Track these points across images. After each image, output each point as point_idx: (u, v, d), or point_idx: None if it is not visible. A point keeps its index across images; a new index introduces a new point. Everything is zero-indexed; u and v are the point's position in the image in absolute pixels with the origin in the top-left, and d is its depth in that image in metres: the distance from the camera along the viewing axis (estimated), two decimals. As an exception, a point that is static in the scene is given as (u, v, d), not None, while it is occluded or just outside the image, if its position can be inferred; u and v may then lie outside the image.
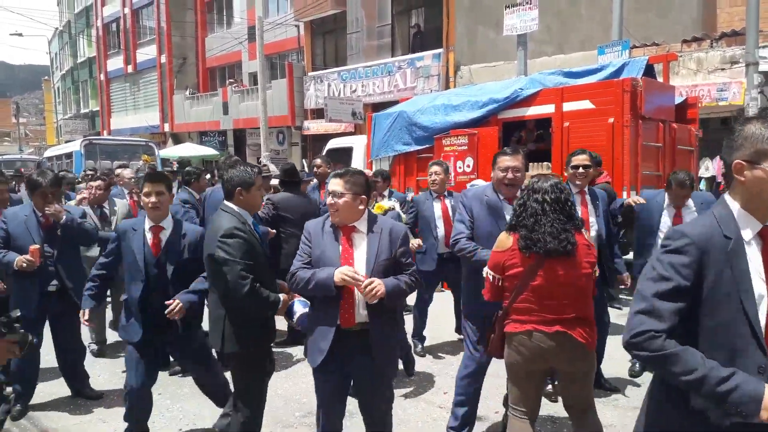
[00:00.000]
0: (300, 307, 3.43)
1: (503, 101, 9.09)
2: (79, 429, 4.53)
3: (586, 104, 8.13)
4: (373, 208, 5.29)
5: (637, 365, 5.42)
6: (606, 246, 4.69)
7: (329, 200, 3.12)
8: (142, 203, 4.03)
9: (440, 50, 17.98)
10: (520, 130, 9.85)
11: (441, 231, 5.86)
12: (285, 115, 23.16)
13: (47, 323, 4.84)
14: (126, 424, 3.97)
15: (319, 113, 21.39)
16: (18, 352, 2.19)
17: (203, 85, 30.50)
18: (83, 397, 5.02)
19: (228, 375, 4.61)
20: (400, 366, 4.98)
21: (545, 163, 8.31)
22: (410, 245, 5.56)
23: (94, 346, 6.08)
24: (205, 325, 6.52)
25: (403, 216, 6.24)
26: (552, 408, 4.54)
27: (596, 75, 8.87)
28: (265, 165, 10.74)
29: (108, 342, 6.23)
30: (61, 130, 43.17)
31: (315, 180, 7.64)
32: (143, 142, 21.47)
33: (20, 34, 39.44)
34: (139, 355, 3.88)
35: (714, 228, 1.87)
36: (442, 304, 6.68)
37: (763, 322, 1.80)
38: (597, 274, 3.40)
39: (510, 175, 3.81)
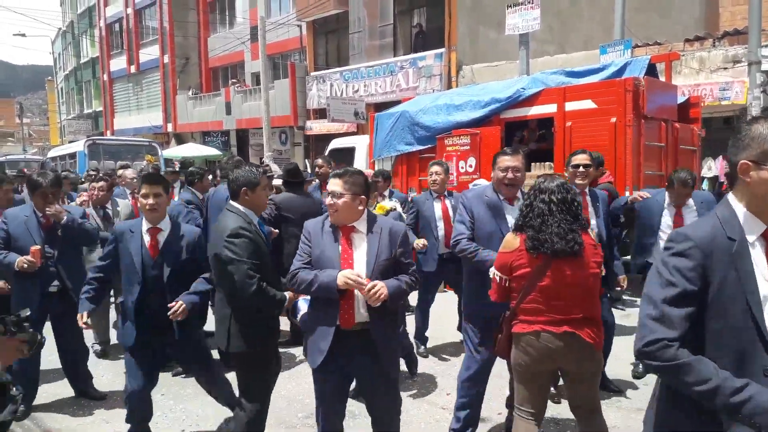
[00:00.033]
0: (304, 305, 3.44)
1: (505, 101, 9.09)
2: (82, 430, 4.54)
3: (588, 104, 8.12)
4: (374, 208, 5.28)
5: (640, 366, 5.41)
6: (606, 247, 4.68)
7: (328, 200, 3.12)
8: (139, 205, 4.01)
9: (442, 50, 17.96)
10: (523, 129, 9.85)
11: (441, 231, 5.84)
12: (287, 115, 23.18)
13: (49, 324, 4.85)
14: (129, 426, 3.97)
15: (321, 113, 21.40)
16: (27, 351, 2.20)
17: (206, 85, 30.53)
18: (87, 397, 5.03)
19: (231, 376, 4.62)
20: (403, 366, 4.98)
21: (547, 163, 8.31)
22: (415, 244, 5.57)
23: (98, 347, 6.09)
24: (209, 326, 6.52)
25: (404, 216, 6.23)
26: (555, 409, 4.53)
27: (598, 74, 8.87)
28: (267, 165, 10.75)
29: (111, 342, 6.23)
30: (64, 131, 43.26)
31: (316, 180, 7.64)
32: (146, 143, 21.52)
33: (23, 35, 39.56)
34: (136, 359, 3.89)
35: (717, 229, 1.85)
36: (445, 304, 6.67)
37: None
38: (604, 274, 3.41)
39: (510, 174, 3.80)
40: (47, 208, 4.68)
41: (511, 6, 12.16)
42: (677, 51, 11.41)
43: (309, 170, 10.49)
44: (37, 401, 4.84)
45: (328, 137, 17.97)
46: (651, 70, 8.70)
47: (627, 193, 7.19)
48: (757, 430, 1.69)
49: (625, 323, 6.39)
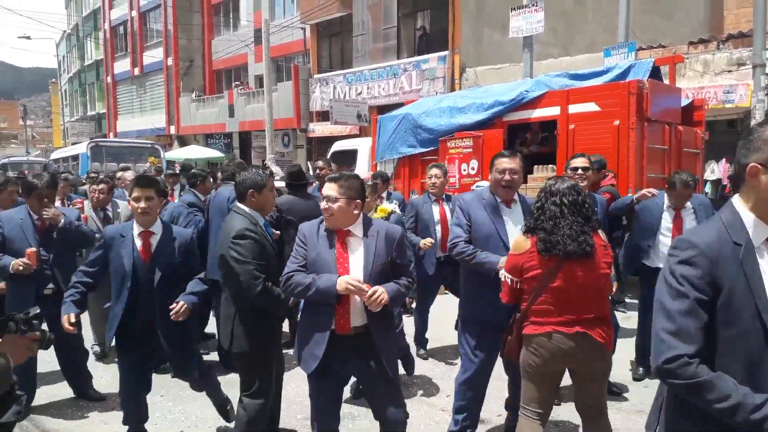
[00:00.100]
0: None
1: (509, 103, 9.07)
2: (81, 430, 4.53)
3: (591, 106, 8.10)
4: (376, 210, 5.25)
5: (640, 369, 5.38)
6: None
7: (323, 205, 3.11)
8: (131, 208, 3.94)
9: (446, 52, 17.97)
10: (525, 132, 9.83)
11: (439, 235, 5.80)
12: (290, 117, 23.20)
13: (45, 326, 4.83)
14: (126, 427, 3.98)
15: (324, 116, 21.40)
16: (36, 349, 2.19)
17: (209, 87, 30.59)
18: (86, 398, 5.02)
19: (227, 379, 4.60)
20: (400, 367, 4.96)
21: (550, 165, 8.28)
22: (422, 243, 5.53)
23: (97, 348, 6.08)
24: (209, 327, 6.50)
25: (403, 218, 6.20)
26: (555, 411, 4.49)
27: (602, 77, 8.85)
28: (268, 167, 10.74)
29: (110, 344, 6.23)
30: (67, 133, 43.36)
31: (317, 182, 7.62)
32: (149, 145, 21.56)
33: (28, 37, 39.57)
34: (128, 363, 3.88)
35: (722, 234, 1.80)
36: (445, 307, 6.64)
37: None
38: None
39: (507, 176, 3.77)
40: (44, 212, 4.64)
41: (514, 9, 12.15)
42: (681, 54, 11.39)
43: (311, 172, 10.49)
44: (35, 402, 4.83)
45: (331, 139, 17.96)
46: (655, 73, 8.68)
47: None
48: None
49: (625, 325, 6.35)
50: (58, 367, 5.11)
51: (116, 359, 4.07)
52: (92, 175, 10.66)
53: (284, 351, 5.98)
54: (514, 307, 3.41)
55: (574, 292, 3.11)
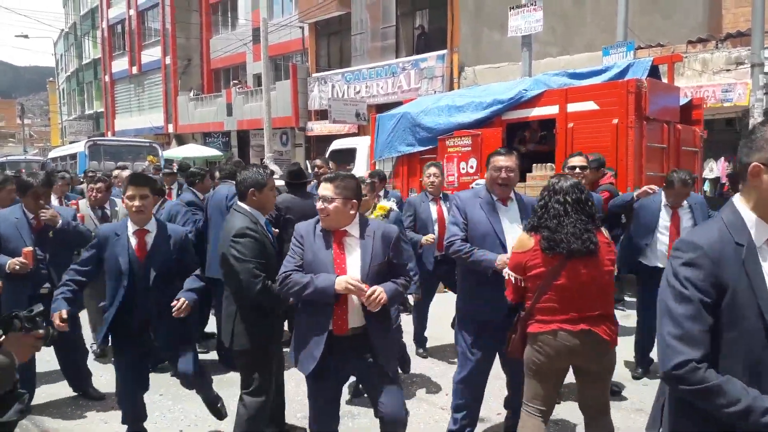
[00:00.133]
0: None
1: (507, 102, 9.08)
2: (79, 430, 4.53)
3: (590, 105, 8.11)
4: (375, 208, 5.24)
5: (639, 368, 5.38)
6: None
7: (319, 205, 3.10)
8: (125, 206, 3.91)
9: (444, 51, 17.97)
10: (524, 130, 9.83)
11: (436, 233, 5.77)
12: (289, 116, 23.18)
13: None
14: (126, 426, 3.99)
15: (323, 114, 21.40)
16: (40, 347, 2.19)
17: (207, 86, 30.54)
18: (86, 397, 5.02)
19: (226, 377, 4.59)
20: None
21: (549, 164, 8.29)
22: (424, 240, 5.52)
23: (96, 347, 6.06)
24: (209, 327, 6.49)
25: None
26: (555, 409, 4.49)
27: (601, 76, 8.86)
28: (266, 166, 10.73)
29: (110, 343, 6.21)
30: (65, 131, 43.31)
31: (315, 181, 7.61)
32: (147, 143, 21.55)
33: (26, 36, 39.44)
34: (125, 362, 3.87)
35: (724, 234, 1.79)
36: (444, 306, 6.62)
37: None
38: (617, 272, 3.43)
39: (503, 174, 3.75)
40: (41, 213, 4.60)
41: (513, 8, 12.15)
42: (680, 53, 11.39)
43: (309, 170, 10.48)
44: (34, 401, 4.81)
45: (330, 138, 17.96)
46: (654, 72, 8.69)
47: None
48: None
49: (625, 323, 6.34)
50: (57, 366, 5.10)
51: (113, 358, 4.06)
52: (90, 173, 10.66)
53: (285, 350, 6.01)
54: (511, 305, 3.41)
55: (579, 289, 3.11)
